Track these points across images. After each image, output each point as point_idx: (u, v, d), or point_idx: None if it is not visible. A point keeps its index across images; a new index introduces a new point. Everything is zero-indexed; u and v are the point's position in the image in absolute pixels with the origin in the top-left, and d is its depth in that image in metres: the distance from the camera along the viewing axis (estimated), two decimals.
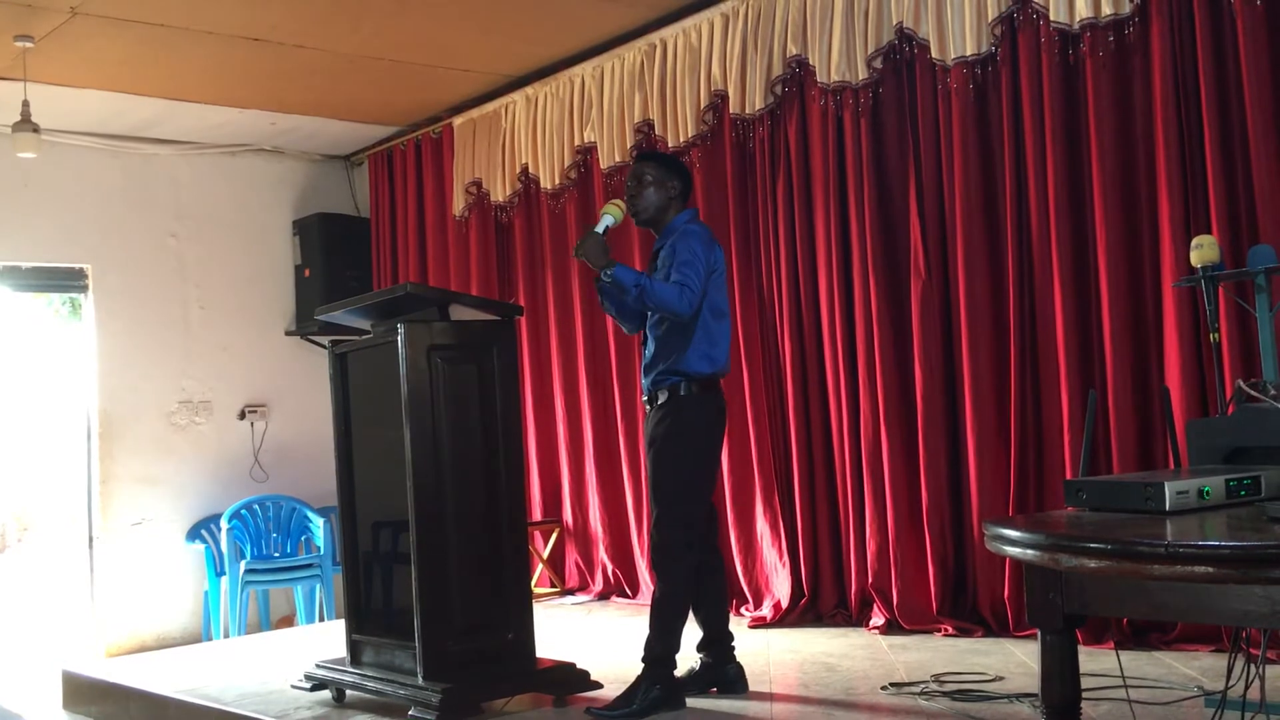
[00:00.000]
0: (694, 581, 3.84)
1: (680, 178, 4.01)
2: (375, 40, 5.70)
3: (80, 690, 5.06)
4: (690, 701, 3.82)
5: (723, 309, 3.91)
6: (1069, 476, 4.14)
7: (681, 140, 5.56)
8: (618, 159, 5.86)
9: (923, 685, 3.82)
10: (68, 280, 6.96)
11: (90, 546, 6.91)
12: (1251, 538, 1.72)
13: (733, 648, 4.00)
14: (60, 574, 7.70)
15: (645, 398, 3.95)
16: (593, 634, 5.18)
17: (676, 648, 3.80)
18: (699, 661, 3.98)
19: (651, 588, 3.95)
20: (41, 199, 6.77)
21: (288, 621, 7.00)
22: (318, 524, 6.96)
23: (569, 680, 3.93)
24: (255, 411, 7.37)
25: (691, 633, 3.91)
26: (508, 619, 3.90)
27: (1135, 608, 2.05)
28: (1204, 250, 3.41)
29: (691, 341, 3.81)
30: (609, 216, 3.90)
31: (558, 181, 6.23)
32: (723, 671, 3.96)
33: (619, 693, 3.77)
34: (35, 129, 5.72)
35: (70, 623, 7.23)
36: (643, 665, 3.78)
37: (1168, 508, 1.93)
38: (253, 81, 6.21)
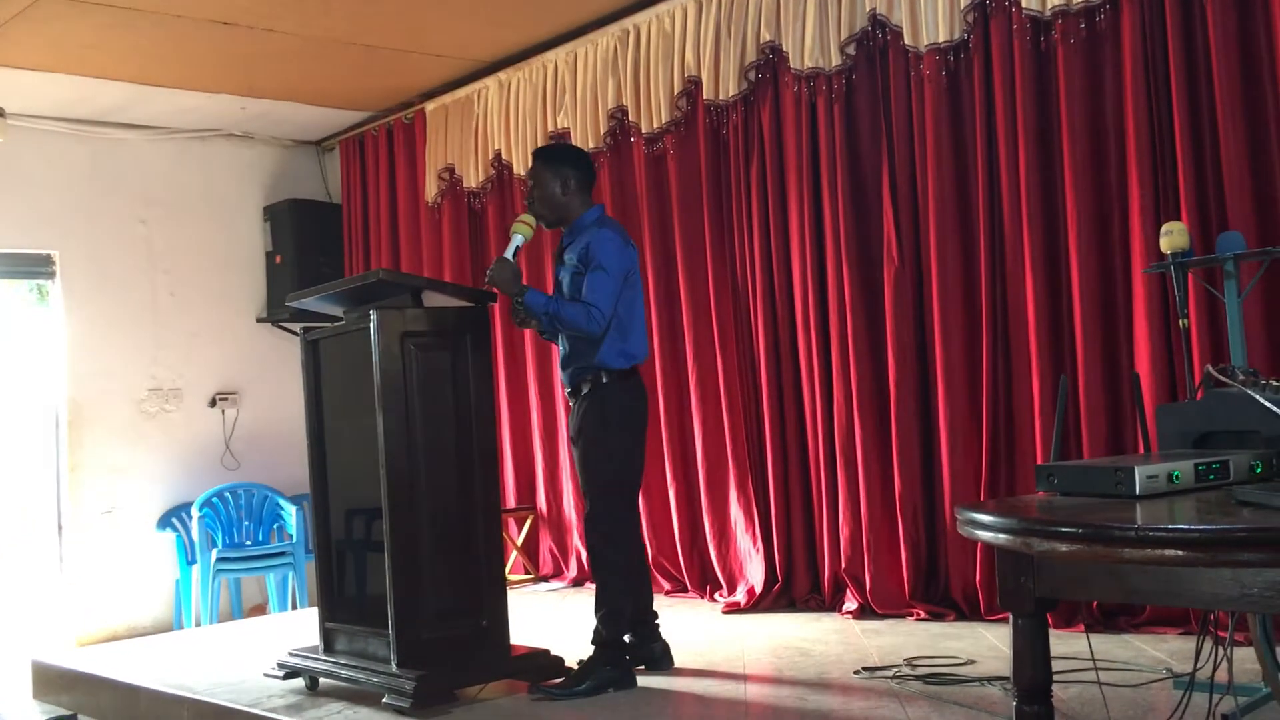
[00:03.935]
0: (630, 563, 3.93)
1: (572, 164, 4.02)
2: (347, 24, 5.65)
3: (50, 680, 5.02)
4: (664, 682, 3.85)
5: (636, 305, 3.95)
6: (1040, 461, 4.16)
7: (655, 126, 5.55)
8: (591, 145, 5.83)
9: (895, 669, 3.85)
10: (35, 266, 6.88)
11: (59, 535, 6.85)
12: (1220, 521, 1.73)
13: (657, 626, 4.09)
14: (29, 563, 7.63)
15: (568, 390, 4.02)
16: (567, 621, 5.17)
17: (625, 629, 3.91)
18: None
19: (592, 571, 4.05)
20: (8, 184, 6.68)
21: (260, 610, 6.97)
22: (290, 512, 6.92)
23: (543, 667, 3.93)
24: (226, 399, 7.32)
25: None
26: (482, 606, 3.89)
27: (1106, 591, 2.06)
28: (1174, 237, 3.43)
29: (605, 340, 3.85)
30: (519, 236, 3.93)
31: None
32: (648, 650, 4.05)
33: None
34: (1, 114, 5.65)
35: (39, 612, 7.16)
36: (594, 649, 3.88)
37: (1138, 492, 1.94)
38: (222, 66, 6.15)
